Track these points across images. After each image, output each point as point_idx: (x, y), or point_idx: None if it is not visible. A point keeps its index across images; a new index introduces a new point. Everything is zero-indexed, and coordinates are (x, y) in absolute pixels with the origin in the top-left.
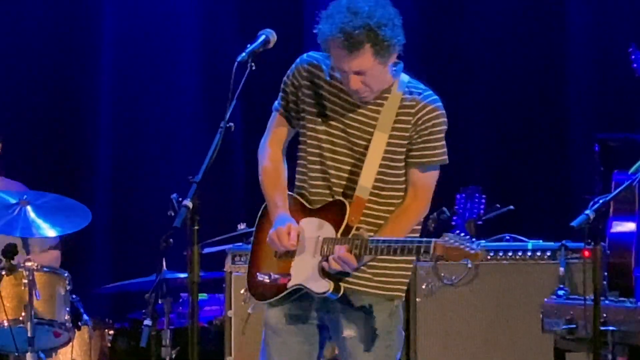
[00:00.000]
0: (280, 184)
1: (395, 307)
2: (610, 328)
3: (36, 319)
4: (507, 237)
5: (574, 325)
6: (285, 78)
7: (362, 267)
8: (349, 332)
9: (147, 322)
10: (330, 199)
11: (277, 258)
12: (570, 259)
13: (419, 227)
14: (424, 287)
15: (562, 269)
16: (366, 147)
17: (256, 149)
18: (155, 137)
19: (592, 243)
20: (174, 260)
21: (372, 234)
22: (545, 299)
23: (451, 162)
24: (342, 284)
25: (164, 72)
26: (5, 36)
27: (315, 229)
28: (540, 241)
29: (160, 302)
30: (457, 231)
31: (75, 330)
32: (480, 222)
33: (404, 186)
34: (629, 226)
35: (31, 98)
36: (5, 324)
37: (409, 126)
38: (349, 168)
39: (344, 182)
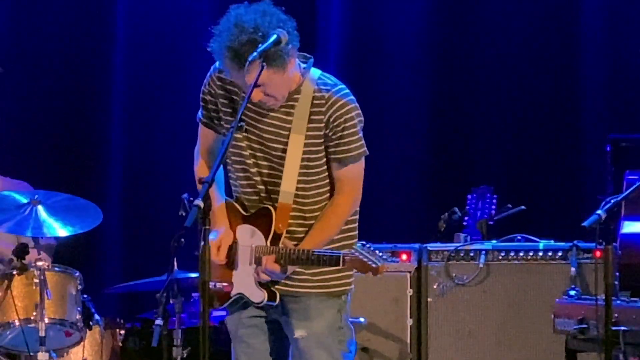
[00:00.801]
0: (214, 193)
1: (343, 302)
2: (622, 328)
3: (47, 318)
4: (519, 237)
5: (586, 326)
6: (203, 87)
7: (299, 270)
8: (300, 332)
9: (159, 321)
10: (261, 205)
11: (221, 267)
12: (582, 259)
13: (355, 217)
14: (435, 287)
15: (573, 269)
16: (284, 151)
17: None
18: (166, 136)
19: (604, 243)
20: (186, 259)
21: (295, 243)
22: (557, 299)
23: (463, 162)
24: (277, 292)
25: (176, 72)
26: (18, 36)
27: (248, 236)
28: (552, 241)
29: (171, 301)
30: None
31: (87, 329)
32: (491, 222)
33: (328, 186)
34: None
35: (43, 98)
36: (17, 323)
37: (322, 125)
38: (271, 173)
39: (269, 188)
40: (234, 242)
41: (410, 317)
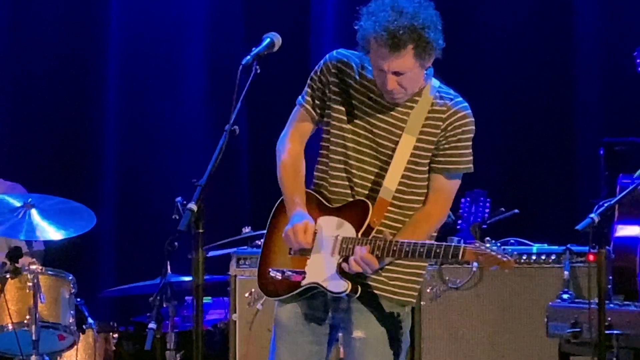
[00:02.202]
0: (298, 180)
1: (406, 314)
2: (615, 332)
3: (41, 322)
4: (512, 241)
5: (579, 329)
6: (312, 73)
7: (378, 274)
8: (358, 333)
9: (152, 325)
10: (351, 199)
11: (291, 255)
12: (575, 263)
13: (436, 234)
14: (428, 290)
15: (566, 272)
16: (392, 149)
17: (260, 152)
18: (160, 140)
19: (597, 247)
20: (179, 263)
21: (395, 232)
22: (550, 303)
23: None
24: (359, 285)
25: (170, 76)
26: (12, 40)
27: (334, 227)
28: (545, 245)
29: (165, 305)
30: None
31: (80, 333)
32: (485, 226)
33: (424, 191)
34: (634, 230)
35: (37, 101)
36: (10, 327)
37: (438, 131)
38: (373, 169)
39: (367, 183)
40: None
41: None
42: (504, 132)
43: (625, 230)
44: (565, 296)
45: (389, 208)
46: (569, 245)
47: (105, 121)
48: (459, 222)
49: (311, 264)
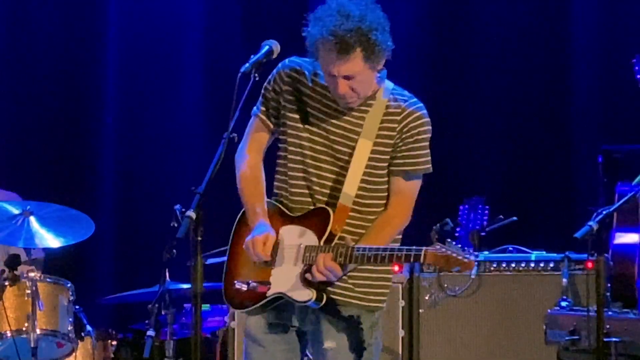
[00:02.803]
0: (259, 191)
1: (376, 319)
2: (614, 339)
3: (39, 329)
4: (510, 248)
5: (577, 337)
6: (266, 83)
7: (343, 277)
8: (329, 343)
9: (150, 332)
10: (312, 207)
11: (255, 266)
12: (574, 270)
13: (400, 236)
14: (427, 298)
15: (565, 280)
16: (350, 155)
17: None
18: (158, 148)
19: (596, 254)
20: (178, 270)
21: (357, 238)
22: (549, 310)
23: (454, 173)
24: (324, 293)
25: (168, 83)
26: (8, 46)
27: (296, 236)
28: (544, 252)
29: (163, 312)
30: (455, 242)
31: (79, 340)
32: (483, 233)
33: (385, 194)
34: (632, 237)
35: (35, 109)
36: (9, 334)
37: (394, 133)
38: (331, 175)
39: (326, 190)
40: (276, 241)
41: (402, 328)
42: (502, 140)
43: (623, 238)
44: (563, 303)
45: (351, 214)
46: (567, 253)
47: (103, 128)
48: (458, 229)
49: (276, 274)
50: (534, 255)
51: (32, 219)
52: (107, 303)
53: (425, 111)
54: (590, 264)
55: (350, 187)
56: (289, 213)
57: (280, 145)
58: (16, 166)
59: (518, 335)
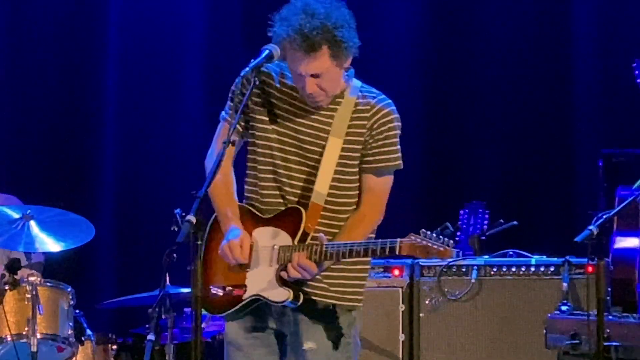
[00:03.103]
0: (230, 195)
1: (354, 318)
2: (614, 343)
3: (39, 333)
4: (511, 253)
5: (578, 341)
6: (233, 86)
7: (318, 277)
8: (309, 344)
9: (151, 337)
10: (283, 208)
11: (230, 270)
12: (574, 275)
13: (373, 235)
14: (427, 302)
15: (565, 284)
16: (320, 153)
17: None
18: (159, 151)
19: (596, 258)
20: (178, 275)
21: (331, 237)
22: (549, 315)
23: (455, 177)
24: (300, 293)
25: (169, 86)
26: (9, 50)
27: (269, 238)
28: (544, 257)
29: (163, 317)
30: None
31: (79, 345)
32: (483, 238)
33: (357, 192)
34: (633, 242)
35: (35, 112)
36: (9, 338)
37: (364, 130)
38: (302, 175)
39: (297, 190)
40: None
41: (402, 333)
42: (502, 144)
43: (624, 242)
44: (564, 308)
45: (323, 213)
46: (567, 257)
47: (103, 132)
48: (458, 233)
49: (251, 277)
50: (534, 259)
51: (32, 223)
52: (107, 307)
53: (394, 107)
54: (590, 268)
55: (322, 185)
56: (260, 215)
57: (249, 148)
58: (16, 170)
59: (518, 340)
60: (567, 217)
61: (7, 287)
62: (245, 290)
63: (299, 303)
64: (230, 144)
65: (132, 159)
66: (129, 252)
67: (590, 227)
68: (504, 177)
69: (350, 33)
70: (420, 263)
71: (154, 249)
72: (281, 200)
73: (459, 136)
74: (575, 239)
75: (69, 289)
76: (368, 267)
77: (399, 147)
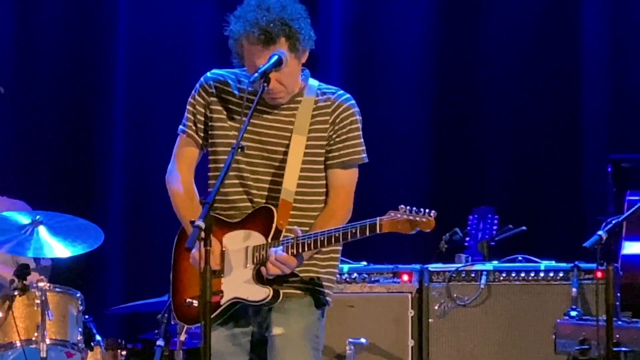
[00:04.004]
0: (194, 205)
1: (322, 313)
2: (624, 349)
3: (49, 339)
4: (520, 258)
5: (587, 346)
6: (190, 98)
7: (294, 272)
8: (277, 330)
9: (160, 342)
10: (251, 210)
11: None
12: (583, 280)
13: None
14: (436, 307)
15: (574, 289)
16: (284, 153)
17: None
18: (168, 156)
19: (605, 264)
20: None
21: (307, 228)
22: (558, 320)
23: (464, 183)
24: (280, 290)
25: (179, 92)
26: (19, 56)
27: (241, 240)
28: (553, 262)
29: (172, 322)
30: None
31: (88, 350)
32: (492, 243)
33: (325, 190)
34: None
35: (44, 118)
36: (18, 344)
37: (327, 126)
38: (268, 176)
39: (264, 191)
40: (221, 250)
41: (412, 338)
42: (511, 149)
43: (633, 247)
44: (573, 313)
45: (293, 212)
46: (576, 262)
47: (112, 137)
48: (467, 239)
49: (227, 282)
50: (543, 264)
51: (41, 228)
52: (116, 313)
53: (354, 102)
54: (599, 274)
55: (290, 182)
56: (229, 221)
57: (210, 157)
58: (25, 175)
59: (527, 345)
60: (576, 223)
61: (16, 293)
62: (222, 296)
63: (279, 300)
64: (239, 149)
65: (141, 164)
66: (138, 258)
67: (600, 233)
68: (513, 183)
69: (306, 25)
70: (430, 269)
71: (163, 255)
72: (249, 204)
73: (467, 142)
74: (585, 244)
75: (78, 295)
76: (338, 263)
77: (362, 140)
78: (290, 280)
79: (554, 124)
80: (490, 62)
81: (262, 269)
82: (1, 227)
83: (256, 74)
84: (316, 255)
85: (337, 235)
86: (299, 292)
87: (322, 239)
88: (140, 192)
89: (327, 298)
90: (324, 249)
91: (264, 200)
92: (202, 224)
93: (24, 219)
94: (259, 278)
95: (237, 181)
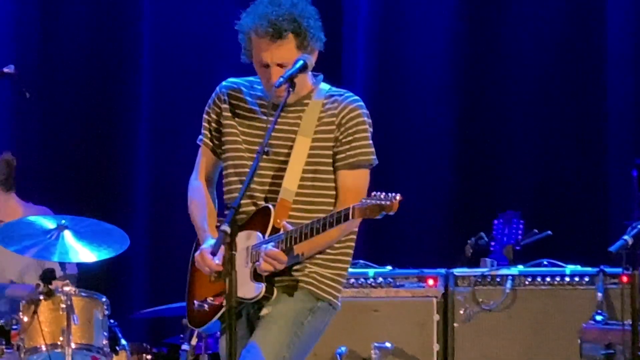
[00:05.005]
0: (206, 211)
1: (318, 307)
2: None
3: (74, 343)
4: (545, 263)
5: (613, 351)
6: (206, 107)
7: (295, 270)
8: (265, 310)
9: (185, 346)
10: (256, 209)
11: (212, 282)
12: (609, 284)
13: (354, 236)
14: (462, 312)
15: (600, 294)
16: (288, 154)
17: None
18: (193, 160)
19: (630, 268)
20: None
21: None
22: (584, 324)
23: (489, 188)
24: (274, 287)
25: (204, 97)
26: (43, 62)
27: (243, 241)
28: (578, 266)
29: None
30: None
31: (113, 355)
32: (518, 248)
33: (332, 193)
34: None
35: (68, 123)
36: (44, 348)
37: (333, 127)
38: (270, 173)
39: (266, 191)
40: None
41: (437, 343)
42: (537, 154)
43: None
44: (598, 318)
45: (297, 213)
46: (602, 267)
47: (136, 142)
48: (492, 243)
49: None
50: (568, 269)
51: (66, 233)
52: (142, 317)
53: (362, 104)
54: (625, 278)
55: (290, 182)
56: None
57: (223, 164)
58: (50, 181)
59: (553, 350)
60: (602, 227)
61: (42, 297)
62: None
63: (273, 297)
64: (264, 153)
65: (166, 168)
66: (163, 262)
67: (625, 237)
68: (538, 187)
69: (316, 25)
70: (455, 273)
71: (187, 259)
72: (253, 208)
73: (492, 146)
74: (610, 249)
75: (103, 299)
76: (348, 266)
77: (371, 142)
78: (288, 278)
79: (579, 129)
80: (514, 67)
81: (257, 264)
82: (27, 231)
83: (281, 79)
84: (320, 256)
85: (317, 226)
86: (296, 284)
87: (306, 231)
88: (165, 196)
89: (329, 297)
90: (330, 251)
91: (263, 197)
92: (227, 229)
93: (49, 224)
94: (256, 276)
95: (240, 186)
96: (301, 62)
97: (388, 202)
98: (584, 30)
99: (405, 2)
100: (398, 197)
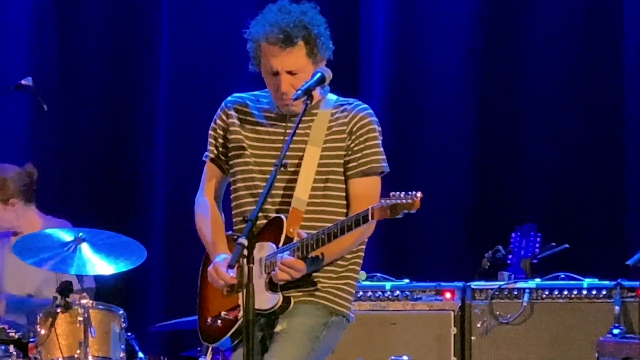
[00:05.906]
0: (216, 226)
1: (332, 322)
2: None
3: (91, 356)
4: (563, 276)
5: None
6: (212, 123)
7: (309, 283)
8: (280, 326)
9: (202, 359)
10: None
11: (225, 296)
12: (626, 298)
13: (363, 247)
14: (479, 325)
15: (617, 307)
16: (298, 164)
17: None
18: None
19: None
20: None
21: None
22: (601, 338)
23: (506, 200)
24: (292, 297)
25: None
26: (61, 75)
27: (256, 253)
28: (596, 280)
29: None
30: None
31: None
32: (535, 261)
33: (344, 202)
34: None
35: (86, 135)
36: None
37: (344, 136)
38: (282, 187)
39: (277, 199)
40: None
41: (454, 356)
42: (554, 167)
43: None
44: (616, 331)
45: (309, 222)
46: (619, 280)
47: (154, 155)
48: (510, 256)
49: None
50: (586, 282)
51: (84, 245)
52: (159, 330)
53: (372, 111)
54: None
55: (302, 191)
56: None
57: (231, 179)
58: (67, 193)
59: None
60: (619, 240)
61: (59, 310)
62: (239, 310)
63: (290, 308)
64: (282, 166)
65: (183, 181)
66: (180, 275)
67: None
68: (556, 200)
69: (325, 34)
70: (472, 286)
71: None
72: (264, 220)
73: (510, 159)
74: (627, 262)
75: (120, 312)
76: (357, 275)
77: (382, 149)
78: (303, 288)
79: (597, 141)
80: (531, 78)
81: (273, 274)
82: (44, 244)
83: (299, 92)
84: (332, 268)
85: (335, 230)
86: (311, 298)
87: (323, 237)
88: (182, 209)
89: (343, 310)
90: (342, 262)
91: (275, 208)
92: (245, 242)
93: (66, 236)
94: (272, 286)
95: (253, 199)
96: (319, 74)
97: (409, 201)
98: (600, 42)
99: (423, 13)
100: (419, 194)
